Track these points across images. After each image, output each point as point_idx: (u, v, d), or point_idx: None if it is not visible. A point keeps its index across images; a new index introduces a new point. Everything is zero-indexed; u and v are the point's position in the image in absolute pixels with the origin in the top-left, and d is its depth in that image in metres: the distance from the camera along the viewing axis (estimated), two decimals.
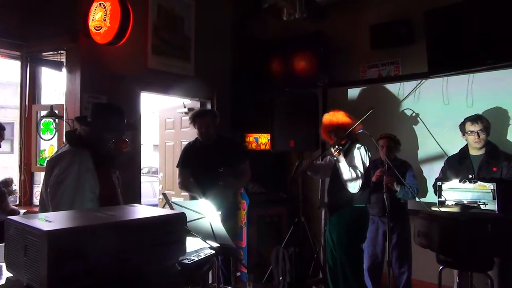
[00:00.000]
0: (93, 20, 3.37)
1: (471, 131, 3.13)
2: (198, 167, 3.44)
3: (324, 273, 4.00)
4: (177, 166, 3.57)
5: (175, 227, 1.44)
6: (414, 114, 3.99)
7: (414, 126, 4.01)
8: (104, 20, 3.32)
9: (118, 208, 1.60)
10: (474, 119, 3.15)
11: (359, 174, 2.98)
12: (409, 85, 4.05)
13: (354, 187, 2.98)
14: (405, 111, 4.06)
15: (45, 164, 2.26)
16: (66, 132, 2.42)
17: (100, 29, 3.35)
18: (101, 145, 2.05)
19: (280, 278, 4.06)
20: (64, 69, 3.59)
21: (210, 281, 3.47)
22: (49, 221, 1.28)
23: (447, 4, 3.58)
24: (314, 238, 4.19)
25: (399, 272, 3.49)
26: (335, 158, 2.97)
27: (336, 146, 2.91)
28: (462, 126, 3.24)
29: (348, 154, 3.03)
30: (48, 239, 1.14)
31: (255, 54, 4.77)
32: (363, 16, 4.32)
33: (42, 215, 1.48)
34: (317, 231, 4.38)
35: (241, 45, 4.76)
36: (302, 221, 4.13)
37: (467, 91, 3.70)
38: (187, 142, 4.73)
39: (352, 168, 2.97)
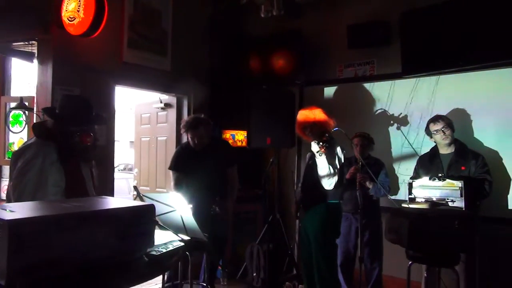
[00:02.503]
0: (66, 10, 3.28)
1: (436, 130, 3.25)
2: (190, 171, 3.45)
3: (298, 269, 4.04)
4: (169, 168, 3.58)
5: (143, 218, 1.42)
6: (394, 114, 4.06)
7: (387, 125, 4.09)
8: (78, 11, 3.24)
9: (86, 200, 1.57)
10: (435, 119, 3.30)
11: (336, 171, 3.01)
12: (384, 85, 4.13)
13: (330, 183, 3.00)
14: (379, 110, 4.14)
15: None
16: (33, 123, 2.36)
17: (74, 20, 3.27)
18: (65, 137, 2.00)
19: (254, 274, 4.08)
20: (35, 60, 3.49)
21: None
22: (12, 211, 1.25)
23: (422, 6, 3.67)
24: (289, 235, 4.22)
25: (370, 268, 3.56)
26: (319, 154, 2.94)
27: (321, 143, 2.89)
28: (427, 129, 3.38)
29: (329, 151, 3.04)
30: (9, 228, 1.11)
31: (233, 50, 4.76)
32: (340, 16, 4.37)
33: (7, 205, 1.44)
34: (292, 228, 4.41)
35: (219, 40, 4.74)
36: (277, 218, 4.16)
37: (434, 92, 3.81)
38: (164, 139, 4.72)
39: (331, 166, 2.98)
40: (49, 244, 1.19)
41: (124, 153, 14.50)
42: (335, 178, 3.00)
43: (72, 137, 2.00)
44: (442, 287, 2.96)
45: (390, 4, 4.01)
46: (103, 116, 2.29)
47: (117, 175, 4.28)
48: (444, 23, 3.52)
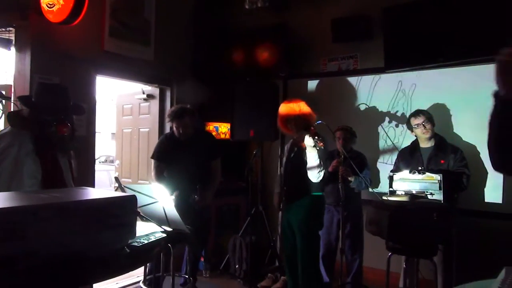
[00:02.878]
0: None
1: (417, 125, 3.31)
2: (172, 161, 3.43)
3: (280, 261, 4.07)
4: (151, 157, 3.53)
5: (124, 209, 1.40)
6: (375, 109, 4.10)
7: (369, 119, 4.13)
8: None
9: (65, 190, 1.54)
10: (416, 113, 3.36)
11: (323, 165, 3.01)
12: (367, 79, 4.16)
13: (318, 176, 3.00)
14: (361, 104, 4.18)
15: None
16: (8, 112, 2.29)
17: (53, 6, 3.18)
18: (41, 127, 1.94)
19: (237, 266, 4.10)
20: (13, 48, 3.38)
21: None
22: None
23: (404, 2, 3.70)
24: (271, 227, 4.25)
25: (351, 259, 3.61)
26: (316, 148, 2.90)
27: (316, 137, 2.85)
28: (408, 124, 3.44)
29: (325, 145, 3.02)
30: None
31: (217, 42, 4.72)
32: (325, 10, 4.37)
33: None
34: (275, 220, 4.43)
35: (203, 32, 4.69)
36: (260, 210, 4.17)
37: (416, 86, 3.86)
38: (146, 130, 4.66)
39: (320, 159, 2.97)
40: (26, 235, 1.17)
41: (105, 144, 14.28)
42: (323, 171, 3.00)
43: (48, 126, 1.94)
44: (420, 277, 3.03)
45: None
46: (82, 106, 2.23)
47: (98, 167, 4.21)
48: (424, 19, 3.57)
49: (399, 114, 3.98)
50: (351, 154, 3.57)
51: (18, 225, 1.14)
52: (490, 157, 1.11)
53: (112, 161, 11.23)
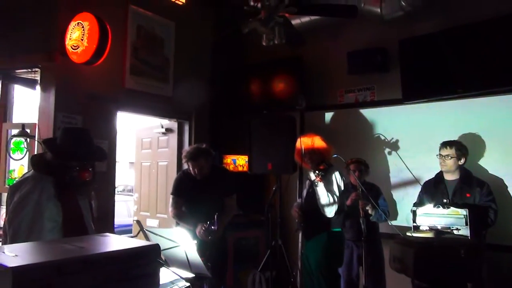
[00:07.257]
0: (70, 39, 3.33)
1: (440, 155, 3.23)
2: (189, 198, 3.44)
3: None
4: (171, 194, 3.56)
5: (148, 259, 1.39)
6: (392, 140, 4.06)
7: (386, 151, 4.07)
8: (82, 40, 3.28)
9: (87, 239, 1.54)
10: (445, 144, 3.27)
11: (336, 199, 3.00)
12: (384, 111, 4.14)
13: (330, 211, 2.99)
14: (378, 136, 4.14)
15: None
16: (32, 156, 2.33)
17: (77, 48, 3.30)
18: (63, 172, 1.97)
19: None
20: (38, 87, 3.50)
21: None
22: (14, 255, 1.22)
23: (420, 34, 3.71)
24: (291, 262, 4.15)
25: None
26: (315, 183, 2.96)
27: (317, 172, 2.92)
28: (439, 151, 3.34)
29: (325, 179, 3.05)
30: (13, 276, 1.08)
31: (234, 76, 4.79)
32: (340, 43, 4.41)
33: (8, 247, 1.40)
34: (294, 254, 4.34)
35: (220, 66, 4.78)
36: (279, 244, 4.09)
37: (437, 117, 3.81)
38: (165, 164, 4.70)
39: (330, 193, 2.98)
40: None
41: (123, 174, 14.43)
42: (335, 206, 2.98)
43: (70, 171, 1.97)
44: None
45: (387, 32, 4.05)
46: (104, 151, 2.26)
47: (116, 197, 4.23)
48: (440, 50, 3.56)
49: (405, 144, 3.95)
50: (366, 186, 3.51)
51: (43, 281, 1.14)
52: None
53: (130, 191, 11.31)
